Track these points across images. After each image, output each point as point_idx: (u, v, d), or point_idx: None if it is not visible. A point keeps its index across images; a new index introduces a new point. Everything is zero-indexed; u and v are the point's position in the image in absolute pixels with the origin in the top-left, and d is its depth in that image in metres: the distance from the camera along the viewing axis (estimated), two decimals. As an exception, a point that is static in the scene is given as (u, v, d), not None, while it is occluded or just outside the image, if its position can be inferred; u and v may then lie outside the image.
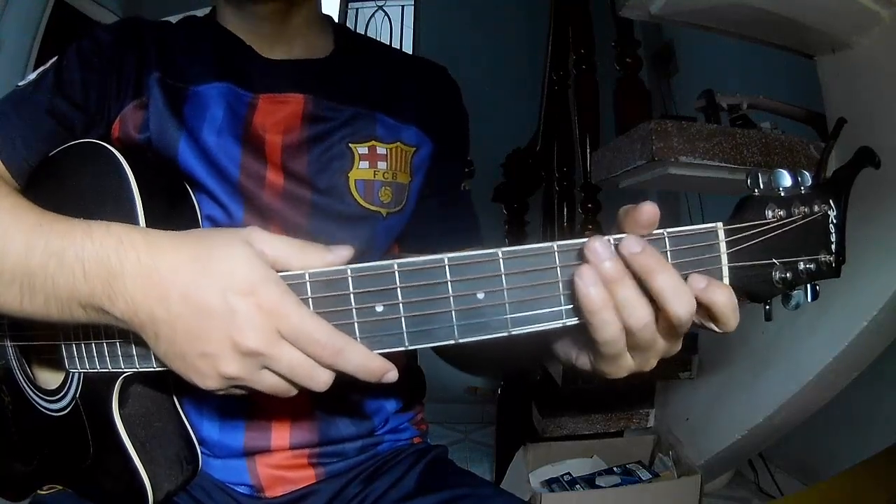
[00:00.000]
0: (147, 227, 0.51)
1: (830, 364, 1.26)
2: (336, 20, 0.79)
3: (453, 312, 0.41)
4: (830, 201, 0.43)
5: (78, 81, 0.62)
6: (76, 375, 0.58)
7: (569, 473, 1.64)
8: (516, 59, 3.10)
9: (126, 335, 0.49)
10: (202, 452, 0.63)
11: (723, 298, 0.40)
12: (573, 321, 0.41)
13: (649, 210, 0.40)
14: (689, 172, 1.34)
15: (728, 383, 1.59)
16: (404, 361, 0.79)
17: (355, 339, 0.42)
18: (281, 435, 0.65)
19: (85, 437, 0.58)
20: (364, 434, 0.69)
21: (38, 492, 0.65)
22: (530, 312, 0.41)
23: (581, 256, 0.40)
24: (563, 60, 2.20)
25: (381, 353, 0.42)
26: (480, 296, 0.41)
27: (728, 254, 0.41)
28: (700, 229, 0.41)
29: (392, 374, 0.42)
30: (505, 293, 0.41)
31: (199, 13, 0.75)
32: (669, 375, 1.72)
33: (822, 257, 0.43)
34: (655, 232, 0.41)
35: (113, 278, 0.43)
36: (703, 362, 1.68)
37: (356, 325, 0.42)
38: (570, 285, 0.40)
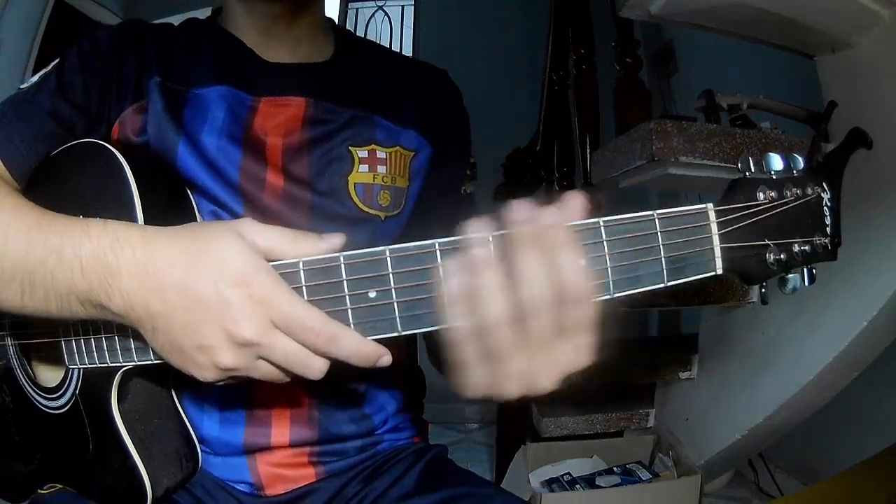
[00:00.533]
0: (145, 225, 0.51)
1: (830, 364, 1.26)
2: (336, 20, 0.79)
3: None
4: (824, 184, 0.43)
5: (79, 84, 0.62)
6: (76, 372, 0.58)
7: (569, 473, 1.64)
8: (516, 59, 3.11)
9: (124, 329, 0.49)
10: (202, 450, 0.63)
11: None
12: None
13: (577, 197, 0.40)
14: (689, 172, 1.34)
15: (728, 383, 1.59)
16: (405, 360, 0.79)
17: (349, 325, 0.43)
18: (281, 432, 0.65)
19: (84, 433, 0.58)
20: (364, 433, 0.69)
21: (39, 491, 0.65)
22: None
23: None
24: (563, 60, 2.20)
25: (374, 339, 0.42)
26: None
27: (720, 235, 0.41)
28: (690, 210, 0.41)
29: (386, 359, 0.43)
30: None
31: (200, 15, 0.75)
32: (669, 375, 1.72)
33: (818, 239, 0.43)
34: (645, 213, 0.41)
35: (110, 274, 0.43)
36: (703, 362, 1.68)
37: (350, 311, 0.43)
38: None
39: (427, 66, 0.78)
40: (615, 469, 1.66)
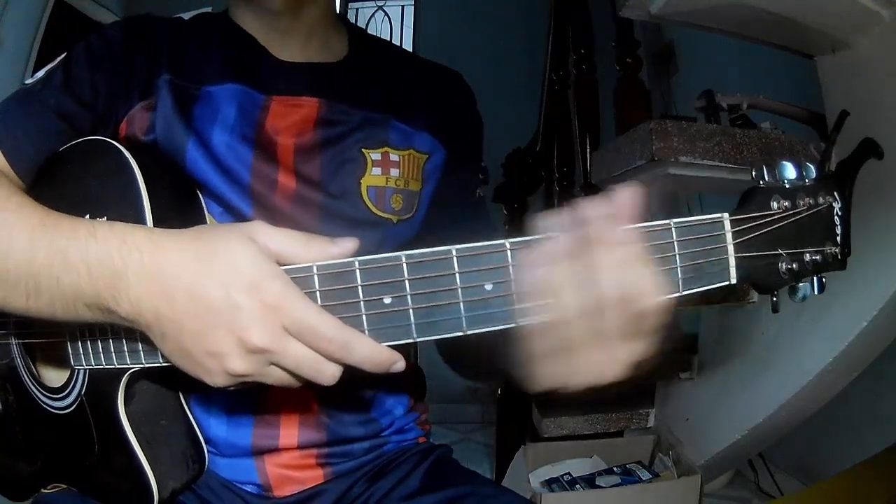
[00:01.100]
0: (154, 226, 0.51)
1: (830, 364, 1.27)
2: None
3: (461, 304, 0.41)
4: (835, 193, 0.43)
5: (86, 80, 0.61)
6: (81, 373, 0.58)
7: (569, 473, 1.64)
8: (516, 59, 3.11)
9: (132, 332, 0.48)
10: (209, 451, 0.63)
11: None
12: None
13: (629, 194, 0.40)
14: (689, 172, 1.34)
15: (728, 383, 1.59)
16: (411, 362, 0.79)
17: (363, 331, 0.42)
18: (289, 434, 0.64)
19: (90, 434, 0.58)
20: (371, 435, 0.69)
21: (42, 490, 0.65)
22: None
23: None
24: (563, 60, 2.20)
25: (388, 346, 0.42)
26: (488, 287, 0.41)
27: (735, 244, 0.41)
28: (706, 219, 0.41)
29: (400, 364, 0.42)
30: (513, 284, 0.41)
31: (210, 9, 0.73)
32: (669, 375, 1.72)
33: (828, 249, 0.43)
34: (662, 222, 0.41)
35: (117, 278, 0.42)
36: (703, 362, 1.69)
37: (364, 317, 0.42)
38: None
39: (441, 67, 0.77)
40: (615, 469, 1.66)
